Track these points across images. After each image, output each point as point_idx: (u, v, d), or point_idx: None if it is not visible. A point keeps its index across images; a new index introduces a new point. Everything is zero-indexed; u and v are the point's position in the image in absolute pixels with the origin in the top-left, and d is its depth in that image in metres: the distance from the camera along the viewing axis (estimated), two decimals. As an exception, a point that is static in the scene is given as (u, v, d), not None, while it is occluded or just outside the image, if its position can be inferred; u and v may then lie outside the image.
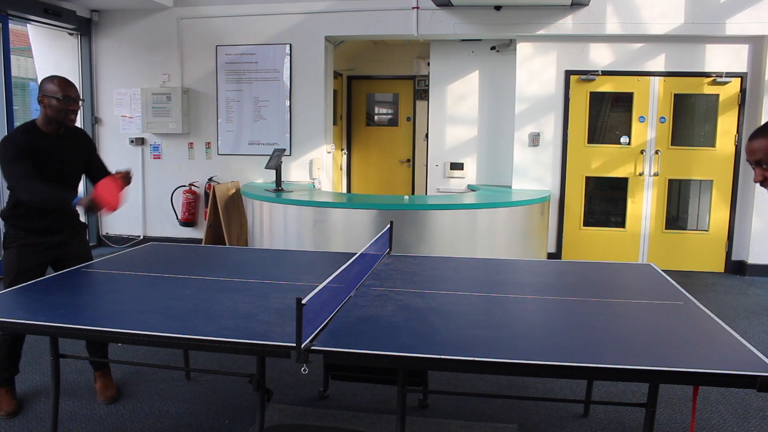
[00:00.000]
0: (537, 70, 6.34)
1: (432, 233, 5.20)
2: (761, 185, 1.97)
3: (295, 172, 6.76)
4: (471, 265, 3.49)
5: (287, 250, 4.89)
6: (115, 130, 7.07)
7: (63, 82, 2.98)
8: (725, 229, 6.25)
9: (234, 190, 6.58)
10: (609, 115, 6.46)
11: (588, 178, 6.43)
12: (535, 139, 6.38)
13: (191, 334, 2.13)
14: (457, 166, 7.06)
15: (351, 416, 3.10)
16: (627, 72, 6.21)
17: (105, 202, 2.84)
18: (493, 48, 6.85)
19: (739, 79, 6.04)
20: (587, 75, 6.22)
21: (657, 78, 6.18)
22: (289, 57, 6.64)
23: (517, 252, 5.53)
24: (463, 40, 6.81)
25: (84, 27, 6.85)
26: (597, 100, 6.35)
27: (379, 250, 3.34)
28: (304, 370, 1.92)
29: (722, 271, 6.30)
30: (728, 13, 5.82)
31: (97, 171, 3.25)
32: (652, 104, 6.22)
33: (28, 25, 6.52)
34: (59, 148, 3.04)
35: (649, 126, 6.25)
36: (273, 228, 5.68)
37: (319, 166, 6.76)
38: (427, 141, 7.58)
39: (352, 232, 5.20)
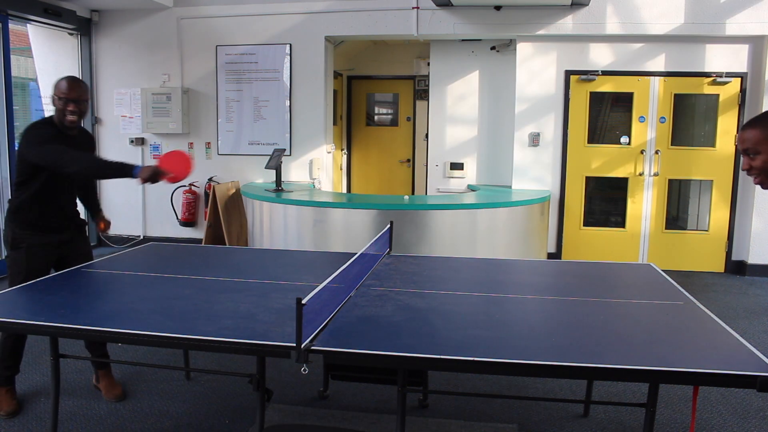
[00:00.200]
0: (537, 70, 6.34)
1: (432, 233, 5.20)
2: (748, 174, 1.97)
3: (295, 172, 6.76)
4: (471, 265, 3.49)
5: (287, 250, 4.89)
6: (115, 130, 7.07)
7: (66, 83, 3.01)
8: (725, 229, 6.25)
9: (234, 190, 6.58)
10: (609, 115, 6.46)
11: (588, 178, 6.43)
12: (535, 139, 6.38)
13: (191, 334, 2.13)
14: (457, 166, 7.06)
15: (351, 416, 3.10)
16: (627, 72, 6.21)
17: (176, 171, 2.94)
18: (493, 48, 6.85)
19: (739, 79, 6.04)
20: (587, 75, 6.22)
21: (657, 78, 6.18)
22: (289, 57, 6.64)
23: (517, 252, 5.53)
24: (463, 40, 6.80)
25: (84, 27, 6.85)
26: (597, 100, 6.35)
27: (379, 250, 3.34)
28: (304, 370, 1.92)
29: (722, 271, 6.30)
30: (728, 13, 5.82)
31: None
32: (652, 104, 6.22)
33: (28, 25, 6.52)
34: (73, 146, 3.04)
35: (649, 126, 6.25)
36: (273, 228, 5.68)
37: (319, 166, 6.76)
38: (427, 141, 7.58)
39: (352, 232, 5.20)
